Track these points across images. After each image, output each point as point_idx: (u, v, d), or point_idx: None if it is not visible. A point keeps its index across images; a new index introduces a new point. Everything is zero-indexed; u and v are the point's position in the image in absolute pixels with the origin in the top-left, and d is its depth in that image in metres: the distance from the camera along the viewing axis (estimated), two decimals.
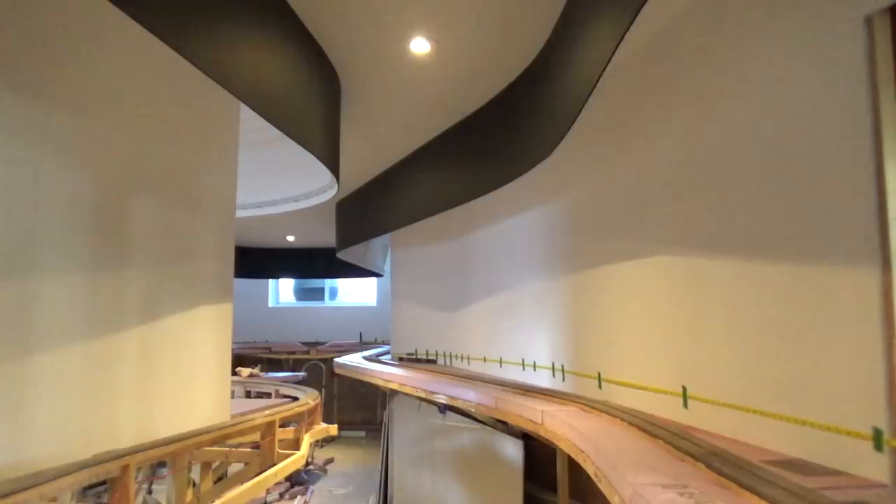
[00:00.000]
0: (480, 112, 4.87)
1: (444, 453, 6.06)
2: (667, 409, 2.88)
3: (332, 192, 6.17)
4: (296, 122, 3.47)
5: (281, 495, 8.28)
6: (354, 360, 8.15)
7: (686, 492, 1.71)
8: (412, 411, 6.47)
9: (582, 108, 2.92)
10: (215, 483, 3.89)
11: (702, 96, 2.71)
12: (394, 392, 6.56)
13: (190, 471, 3.46)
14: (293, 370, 11.73)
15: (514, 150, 4.20)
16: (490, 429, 5.28)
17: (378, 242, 10.02)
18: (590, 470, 2.41)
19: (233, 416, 3.92)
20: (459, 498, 5.72)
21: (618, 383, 3.39)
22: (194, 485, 3.66)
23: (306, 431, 4.55)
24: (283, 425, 4.23)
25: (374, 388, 7.29)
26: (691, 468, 1.99)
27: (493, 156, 4.58)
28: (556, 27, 3.54)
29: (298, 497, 8.25)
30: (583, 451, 2.55)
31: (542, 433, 3.27)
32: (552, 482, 4.32)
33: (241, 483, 3.68)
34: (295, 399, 5.45)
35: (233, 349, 4.08)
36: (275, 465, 3.83)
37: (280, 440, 4.08)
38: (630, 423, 2.71)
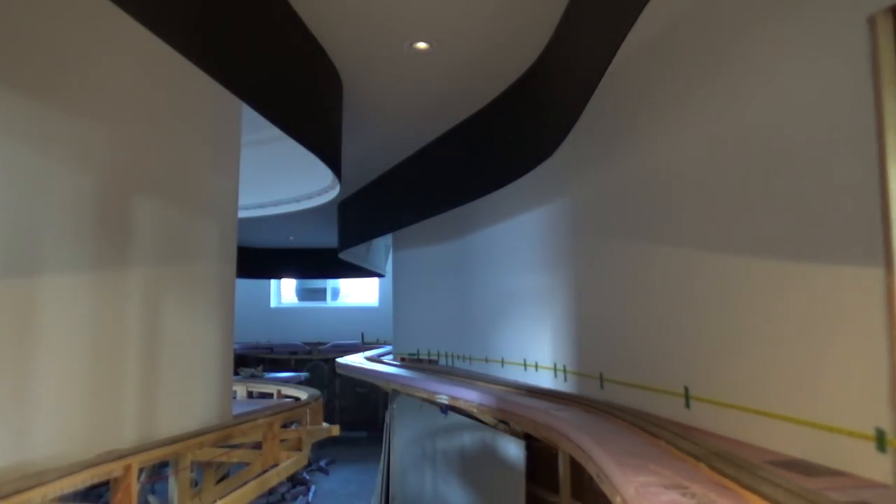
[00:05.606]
0: (482, 112, 4.87)
1: (445, 454, 6.05)
2: (669, 410, 2.88)
3: (335, 192, 6.16)
4: (297, 122, 3.48)
5: (283, 495, 8.29)
6: (356, 360, 8.15)
7: (688, 492, 1.71)
8: (414, 412, 6.47)
9: (584, 109, 2.92)
10: (217, 483, 3.89)
11: (704, 97, 2.71)
12: (395, 392, 6.56)
13: (192, 471, 3.46)
14: (295, 370, 11.73)
15: (515, 150, 4.20)
16: (492, 429, 5.27)
17: (380, 243, 10.03)
18: (592, 470, 2.40)
19: (235, 417, 3.92)
20: (461, 498, 5.72)
21: (620, 383, 3.39)
22: (196, 485, 3.67)
23: (308, 432, 4.55)
24: (284, 425, 4.24)
25: (376, 388, 7.30)
26: (693, 468, 1.99)
27: (494, 156, 4.58)
28: (558, 27, 3.54)
29: (300, 497, 8.26)
30: (585, 452, 2.55)
31: (543, 433, 3.27)
32: (554, 482, 4.32)
33: (243, 483, 3.69)
34: (297, 399, 5.45)
35: (235, 350, 4.08)
36: (277, 465, 3.83)
37: (282, 440, 4.08)
38: (632, 424, 2.71)
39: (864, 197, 1.83)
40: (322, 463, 10.11)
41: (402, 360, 7.63)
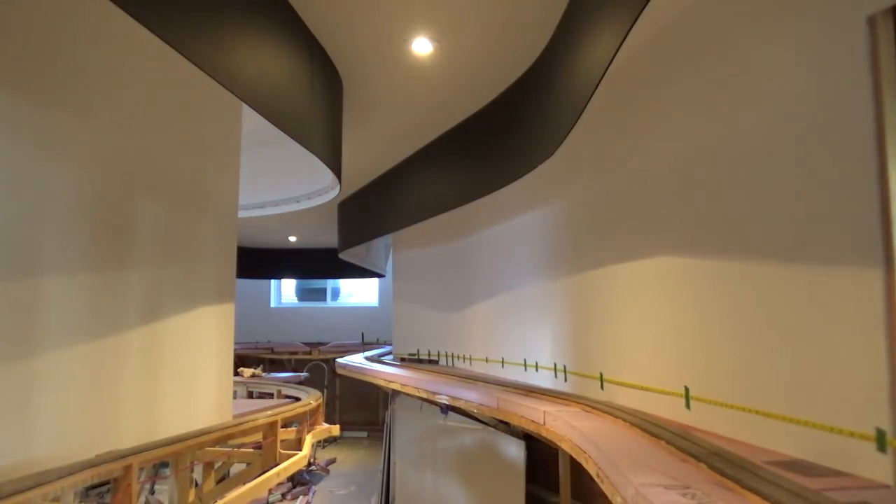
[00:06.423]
0: (482, 112, 4.87)
1: (445, 454, 6.06)
2: (669, 410, 2.88)
3: (334, 192, 6.17)
4: (297, 123, 3.48)
5: (283, 495, 8.29)
6: (356, 360, 8.15)
7: (688, 492, 1.71)
8: (414, 412, 6.48)
9: (584, 109, 2.92)
10: (217, 483, 3.89)
11: (703, 97, 2.71)
12: (396, 392, 6.56)
13: (192, 471, 3.46)
14: (295, 371, 11.73)
15: (515, 151, 4.20)
16: (492, 429, 5.28)
17: (380, 243, 10.03)
18: (592, 470, 2.40)
19: (235, 417, 3.92)
20: (461, 498, 5.72)
21: (620, 384, 3.39)
22: (196, 485, 3.67)
23: (308, 432, 4.55)
24: (285, 425, 4.24)
25: (376, 388, 7.30)
26: (693, 469, 1.99)
27: (494, 156, 4.58)
28: (558, 28, 3.54)
29: (300, 497, 8.26)
30: (585, 452, 2.55)
31: (543, 434, 3.27)
32: (554, 483, 4.33)
33: (244, 483, 3.68)
34: (297, 399, 5.45)
35: (235, 350, 4.09)
36: (277, 465, 3.83)
37: (282, 440, 4.08)
38: (632, 424, 2.71)
39: (864, 197, 1.83)
40: (323, 463, 10.11)
41: (402, 360, 7.63)
